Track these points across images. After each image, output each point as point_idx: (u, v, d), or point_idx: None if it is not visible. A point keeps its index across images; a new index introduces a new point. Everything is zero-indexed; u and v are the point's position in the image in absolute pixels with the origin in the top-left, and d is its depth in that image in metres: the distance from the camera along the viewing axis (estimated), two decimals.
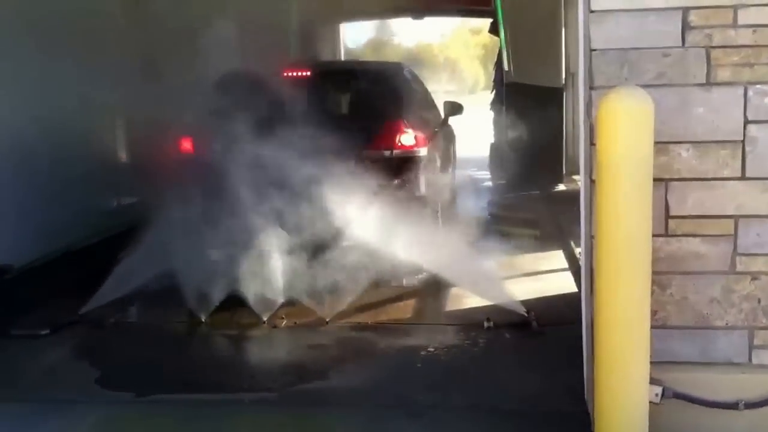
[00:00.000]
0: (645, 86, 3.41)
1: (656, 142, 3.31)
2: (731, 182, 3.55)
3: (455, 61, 39.20)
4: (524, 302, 5.67)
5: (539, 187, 10.80)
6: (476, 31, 33.78)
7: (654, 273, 3.37)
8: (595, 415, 3.45)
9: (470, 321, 5.54)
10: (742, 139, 3.53)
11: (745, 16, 3.50)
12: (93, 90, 6.73)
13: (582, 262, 4.02)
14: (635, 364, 3.32)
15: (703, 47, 3.54)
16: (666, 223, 3.60)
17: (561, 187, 11.40)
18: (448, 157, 8.02)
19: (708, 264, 3.59)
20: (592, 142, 3.63)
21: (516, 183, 10.99)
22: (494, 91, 13.14)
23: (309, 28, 13.44)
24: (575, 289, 6.11)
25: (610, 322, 3.34)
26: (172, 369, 4.99)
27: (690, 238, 3.60)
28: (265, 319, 5.66)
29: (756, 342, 3.62)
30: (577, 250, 7.04)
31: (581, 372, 4.02)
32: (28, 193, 6.63)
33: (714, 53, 3.54)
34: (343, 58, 17.13)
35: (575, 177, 11.88)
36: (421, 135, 6.54)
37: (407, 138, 6.42)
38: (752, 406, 3.56)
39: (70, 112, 6.77)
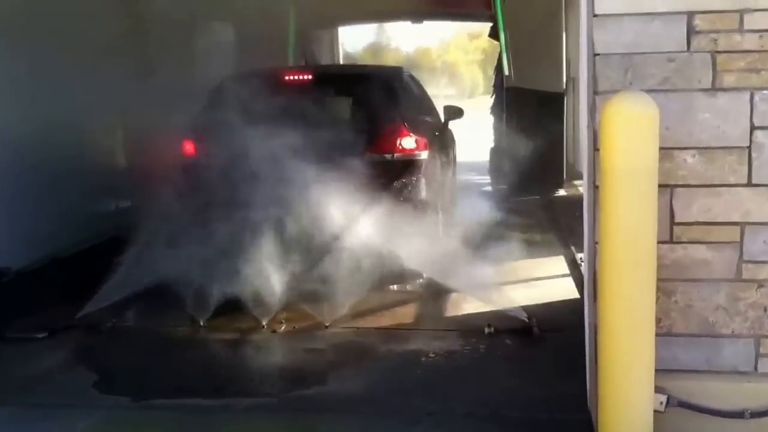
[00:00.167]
0: (649, 91, 3.40)
1: (661, 148, 3.29)
2: (737, 189, 3.52)
3: (453, 66, 39.27)
4: (525, 308, 5.63)
5: (540, 192, 10.75)
6: (474, 36, 33.91)
7: (659, 280, 3.35)
8: (599, 423, 3.41)
9: (470, 327, 5.49)
10: (748, 145, 3.50)
11: (751, 21, 3.47)
12: (90, 93, 6.71)
13: (585, 268, 3.98)
14: (640, 372, 3.29)
15: (708, 52, 3.51)
16: (671, 229, 3.56)
17: (561, 192, 11.36)
18: (448, 161, 7.98)
19: (713, 271, 3.56)
20: (595, 148, 3.59)
21: (516, 188, 10.94)
22: (494, 96, 13.10)
23: (308, 31, 13.40)
24: (576, 295, 6.10)
25: (614, 330, 3.31)
26: (169, 374, 4.96)
27: (695, 245, 3.57)
28: (264, 323, 5.61)
29: (762, 351, 3.59)
30: (579, 256, 7.03)
31: (583, 379, 3.97)
32: (24, 196, 6.58)
33: (720, 58, 3.51)
34: (341, 62, 17.11)
35: (575, 182, 11.89)
36: (422, 138, 6.51)
37: (408, 141, 6.41)
38: (758, 416, 3.53)
39: (66, 114, 6.73)
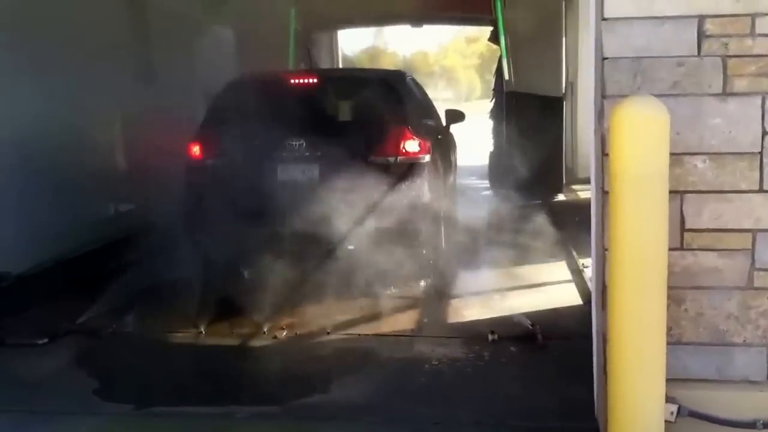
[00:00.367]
0: (659, 96, 3.34)
1: (670, 154, 3.24)
2: (749, 195, 3.48)
3: (450, 70, 39.32)
4: (527, 314, 5.59)
5: (539, 197, 10.71)
6: (472, 40, 33.96)
7: (668, 287, 3.29)
8: None
9: (474, 334, 5.42)
10: (760, 150, 3.46)
11: (762, 25, 3.43)
12: (94, 95, 6.68)
13: (593, 275, 3.93)
14: (651, 381, 3.24)
15: (719, 56, 3.47)
16: (681, 236, 3.51)
17: (561, 197, 11.32)
18: (449, 165, 7.95)
19: (724, 279, 3.51)
20: (604, 152, 3.54)
21: (516, 192, 10.90)
22: (494, 100, 13.07)
23: (307, 35, 13.36)
24: (578, 301, 6.06)
25: (624, 338, 3.25)
26: (169, 380, 4.89)
27: (706, 252, 3.52)
28: (265, 329, 5.55)
29: None
30: (581, 262, 6.99)
31: (589, 387, 3.92)
32: (25, 200, 6.53)
33: (730, 63, 3.47)
34: (340, 66, 17.08)
35: (574, 187, 11.86)
36: (425, 142, 6.51)
37: (412, 145, 6.40)
38: None
39: (70, 117, 6.69)
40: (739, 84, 3.46)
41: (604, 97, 3.58)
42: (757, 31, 3.42)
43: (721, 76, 3.47)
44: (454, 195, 8.69)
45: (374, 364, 5.06)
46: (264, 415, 4.36)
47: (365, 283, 5.84)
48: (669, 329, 3.43)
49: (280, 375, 5.01)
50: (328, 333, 5.55)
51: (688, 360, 3.55)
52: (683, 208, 3.51)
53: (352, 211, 5.83)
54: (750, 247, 3.49)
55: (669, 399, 3.37)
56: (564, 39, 12.31)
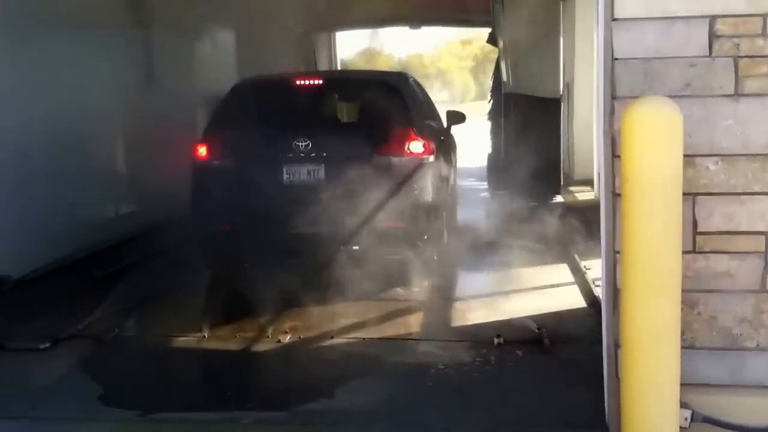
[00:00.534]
0: (670, 97, 3.31)
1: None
2: (761, 197, 3.44)
3: (445, 71, 39.37)
4: (533, 317, 5.55)
5: (537, 198, 10.67)
6: (467, 42, 34.03)
7: (681, 291, 3.24)
8: None
9: (479, 337, 5.37)
10: None
11: None
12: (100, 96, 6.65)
13: (603, 279, 3.87)
14: (664, 387, 3.21)
15: (731, 57, 3.44)
16: (693, 239, 3.48)
17: (559, 198, 11.28)
18: (451, 165, 7.94)
19: (737, 282, 3.47)
20: (614, 154, 3.51)
21: (514, 194, 10.86)
22: (492, 101, 13.05)
23: (306, 37, 13.36)
24: (581, 304, 6.03)
25: (637, 343, 3.22)
26: (173, 385, 4.84)
27: (718, 255, 3.48)
28: (269, 333, 5.50)
29: None
30: (582, 264, 6.95)
31: (598, 392, 3.88)
32: (27, 203, 6.48)
33: (742, 63, 3.44)
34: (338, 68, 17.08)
35: (571, 188, 11.83)
36: (429, 143, 6.53)
37: (416, 145, 6.43)
38: None
39: (74, 118, 6.67)
40: (751, 85, 3.43)
41: (614, 98, 3.55)
42: None
43: (733, 76, 3.44)
44: (455, 195, 8.66)
45: (380, 368, 5.00)
46: (269, 421, 4.31)
47: (370, 283, 5.79)
48: (682, 333, 3.39)
49: (284, 379, 4.95)
50: (332, 337, 5.49)
51: (701, 365, 3.51)
52: (695, 211, 3.47)
53: (358, 211, 5.81)
54: (763, 249, 3.45)
55: (682, 404, 3.33)
56: (561, 40, 12.28)
